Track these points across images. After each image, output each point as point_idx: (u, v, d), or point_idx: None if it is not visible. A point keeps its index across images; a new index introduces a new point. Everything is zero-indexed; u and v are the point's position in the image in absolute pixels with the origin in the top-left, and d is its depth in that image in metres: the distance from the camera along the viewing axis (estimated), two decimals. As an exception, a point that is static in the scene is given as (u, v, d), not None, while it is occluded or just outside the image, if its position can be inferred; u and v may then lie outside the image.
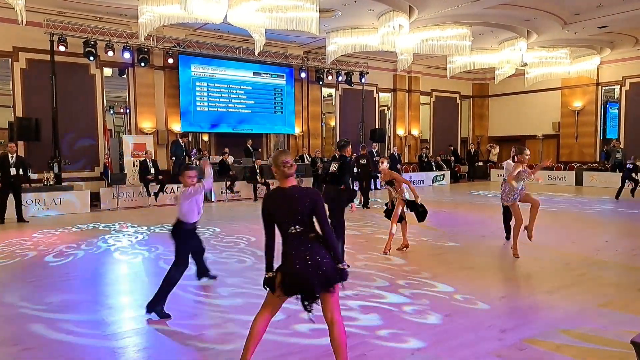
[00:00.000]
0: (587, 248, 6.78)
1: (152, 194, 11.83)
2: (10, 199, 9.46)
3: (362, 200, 11.71)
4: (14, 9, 7.94)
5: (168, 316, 4.02)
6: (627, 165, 12.87)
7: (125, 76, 13.73)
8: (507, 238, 7.04)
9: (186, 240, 4.30)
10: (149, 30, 10.16)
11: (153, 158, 12.27)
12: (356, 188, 7.84)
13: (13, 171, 9.39)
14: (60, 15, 12.02)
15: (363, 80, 17.24)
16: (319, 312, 2.78)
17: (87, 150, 12.88)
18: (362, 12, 11.93)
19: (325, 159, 15.41)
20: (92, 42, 12.05)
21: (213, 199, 13.14)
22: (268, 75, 15.85)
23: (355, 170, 11.28)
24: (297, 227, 2.70)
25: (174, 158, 13.33)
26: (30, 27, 10.76)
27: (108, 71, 13.70)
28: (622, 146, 16.92)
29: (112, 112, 15.44)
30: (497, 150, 20.81)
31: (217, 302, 4.51)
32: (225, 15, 9.63)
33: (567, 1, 11.66)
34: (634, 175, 12.80)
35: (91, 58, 12.18)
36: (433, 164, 18.79)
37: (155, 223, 9.24)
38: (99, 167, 13.02)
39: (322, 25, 11.31)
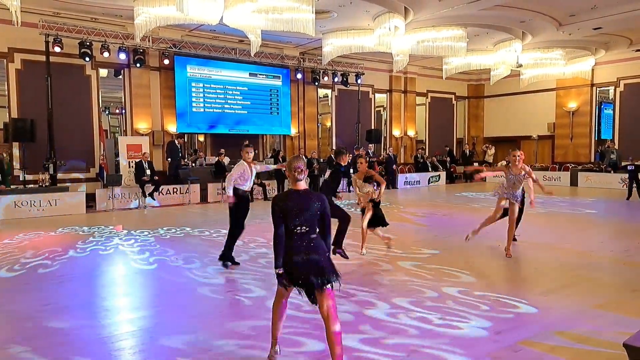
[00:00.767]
0: (581, 249, 6.82)
1: (147, 194, 11.79)
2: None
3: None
4: (8, 9, 7.90)
5: (237, 263, 5.69)
6: (629, 167, 12.78)
7: (120, 77, 13.69)
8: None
9: (237, 203, 5.64)
10: (145, 31, 10.14)
11: (149, 159, 12.23)
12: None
13: None
14: (55, 16, 11.97)
15: (359, 81, 17.27)
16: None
17: (83, 151, 12.83)
18: (357, 14, 11.96)
19: (322, 160, 15.43)
20: (88, 43, 12.00)
21: (208, 200, 13.11)
22: (264, 76, 15.85)
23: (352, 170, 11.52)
24: (304, 227, 2.95)
25: (169, 159, 13.30)
26: (25, 28, 10.71)
27: (104, 72, 13.66)
28: (616, 147, 17.04)
29: (107, 112, 15.39)
30: (492, 150, 20.89)
31: (216, 303, 4.51)
32: (221, 17, 9.62)
33: (562, 2, 11.73)
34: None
35: (87, 59, 12.14)
36: (429, 164, 18.86)
37: (152, 225, 9.22)
38: (95, 168, 12.97)
39: (318, 27, 11.32)
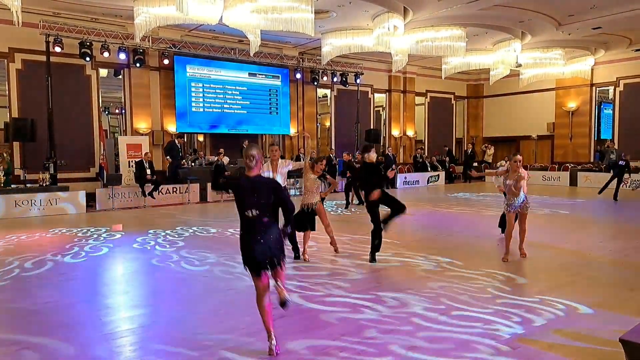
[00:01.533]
0: (580, 248, 6.84)
1: (147, 194, 11.81)
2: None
3: (358, 199, 11.88)
4: (9, 9, 7.92)
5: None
6: (620, 162, 12.79)
7: (120, 77, 13.71)
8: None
9: None
10: (145, 31, 10.17)
11: (150, 159, 12.24)
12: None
13: None
14: (55, 16, 11.99)
15: (358, 81, 17.29)
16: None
17: (83, 151, 12.84)
18: (357, 14, 11.98)
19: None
20: (88, 43, 12.02)
21: (208, 200, 13.13)
22: (263, 76, 15.87)
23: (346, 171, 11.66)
24: (254, 211, 3.14)
25: (169, 158, 13.31)
26: (26, 28, 10.73)
27: (103, 72, 13.68)
28: (616, 147, 17.05)
29: (107, 112, 15.41)
30: (492, 150, 20.90)
31: (216, 300, 4.53)
32: (221, 17, 9.64)
33: (561, 2, 11.75)
34: (626, 173, 12.75)
35: (87, 59, 12.16)
36: (428, 164, 18.87)
37: (150, 224, 9.24)
38: (95, 167, 12.99)
39: (317, 27, 11.34)
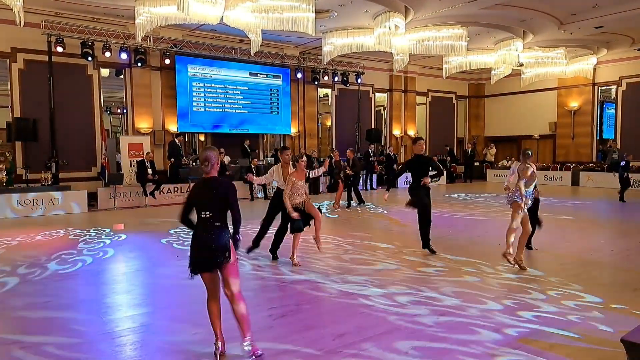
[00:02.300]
0: (582, 248, 6.83)
1: (149, 193, 11.83)
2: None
3: (355, 199, 11.80)
4: (11, 10, 7.94)
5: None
6: (621, 163, 12.74)
7: (122, 77, 13.73)
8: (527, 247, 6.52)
9: (273, 198, 6.15)
10: (146, 31, 10.18)
11: (152, 159, 12.26)
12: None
13: None
14: (57, 16, 12.01)
15: (359, 80, 17.27)
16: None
17: (85, 151, 12.87)
18: (358, 13, 11.97)
19: (321, 159, 15.41)
20: (90, 43, 12.05)
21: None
22: (264, 76, 15.87)
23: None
24: (207, 213, 3.16)
25: (172, 159, 13.33)
26: (28, 28, 10.76)
27: (105, 72, 13.70)
28: (618, 146, 17.00)
29: (109, 112, 15.44)
30: (493, 150, 20.85)
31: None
32: (222, 16, 9.65)
33: (563, 1, 11.72)
34: (626, 174, 12.65)
35: (89, 59, 12.18)
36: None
37: (153, 223, 9.25)
38: (96, 167, 13.01)
39: (318, 26, 11.33)
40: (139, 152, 12.59)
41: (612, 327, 3.77)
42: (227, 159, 13.78)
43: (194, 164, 14.37)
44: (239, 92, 15.36)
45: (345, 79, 16.93)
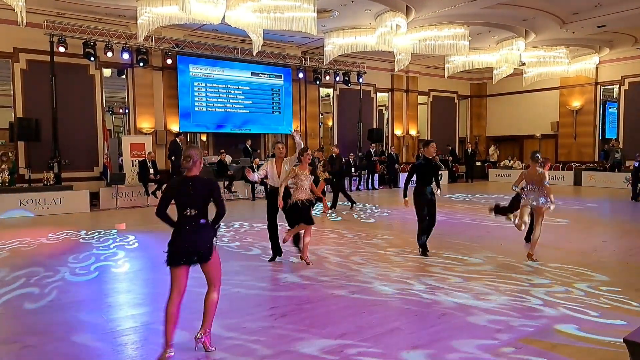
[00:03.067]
0: (584, 248, 6.80)
1: (150, 193, 11.85)
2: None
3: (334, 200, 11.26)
4: (14, 10, 7.97)
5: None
6: (635, 164, 12.52)
7: (124, 77, 13.76)
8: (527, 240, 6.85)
9: (267, 199, 5.94)
10: (148, 31, 10.20)
11: (153, 158, 12.28)
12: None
13: None
14: (60, 16, 12.04)
15: (361, 80, 17.26)
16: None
17: (87, 151, 12.90)
18: (359, 12, 11.96)
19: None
20: (92, 43, 12.08)
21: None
22: (266, 76, 15.88)
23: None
24: (192, 210, 3.22)
25: (173, 158, 13.34)
26: (30, 28, 10.78)
27: (107, 72, 13.73)
28: (621, 146, 16.95)
29: (111, 112, 15.48)
30: (498, 152, 20.64)
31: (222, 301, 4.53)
32: (223, 16, 9.65)
33: (565, 0, 11.68)
34: None
35: (91, 59, 12.21)
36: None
37: (155, 223, 9.26)
38: (99, 167, 13.04)
39: (319, 26, 11.33)
40: (141, 152, 12.62)
41: (615, 327, 3.76)
42: (228, 159, 13.79)
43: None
44: (240, 92, 15.38)
45: (346, 78, 16.92)
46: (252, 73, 15.55)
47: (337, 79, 16.88)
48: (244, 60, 14.90)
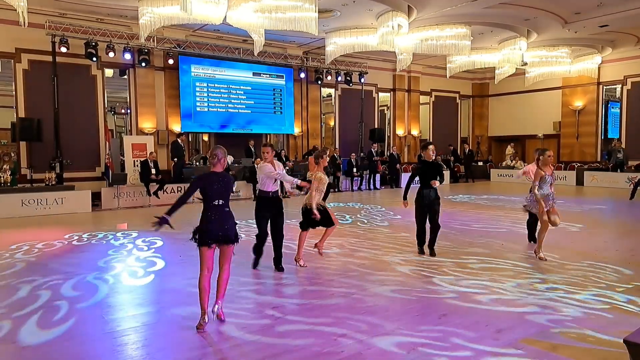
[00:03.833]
0: (586, 248, 6.78)
1: (152, 193, 11.87)
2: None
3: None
4: (16, 10, 7.99)
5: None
6: None
7: (126, 77, 13.79)
8: (530, 239, 6.95)
9: (258, 207, 5.38)
10: (149, 31, 10.21)
11: (155, 159, 12.28)
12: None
13: None
14: (61, 16, 12.08)
15: (362, 80, 17.26)
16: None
17: (89, 151, 12.93)
18: (361, 12, 11.95)
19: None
20: (93, 43, 12.11)
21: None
22: (267, 76, 15.89)
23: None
24: (220, 201, 3.78)
25: (175, 159, 13.36)
26: (32, 29, 10.82)
27: (109, 72, 13.76)
28: (623, 146, 16.89)
29: (113, 112, 15.51)
30: (511, 150, 20.31)
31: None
32: (225, 16, 9.66)
33: (567, 0, 11.65)
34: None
35: (93, 59, 12.24)
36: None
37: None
38: (100, 167, 13.07)
39: (321, 26, 11.33)
40: (143, 152, 12.64)
41: (617, 327, 3.74)
42: (230, 159, 13.80)
43: (197, 163, 14.41)
44: (242, 92, 15.38)
45: (348, 78, 16.91)
46: (253, 73, 15.55)
47: (339, 79, 16.87)
48: (245, 61, 14.91)
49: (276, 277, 5.39)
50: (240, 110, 15.36)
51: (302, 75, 16.16)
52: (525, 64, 16.09)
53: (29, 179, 11.45)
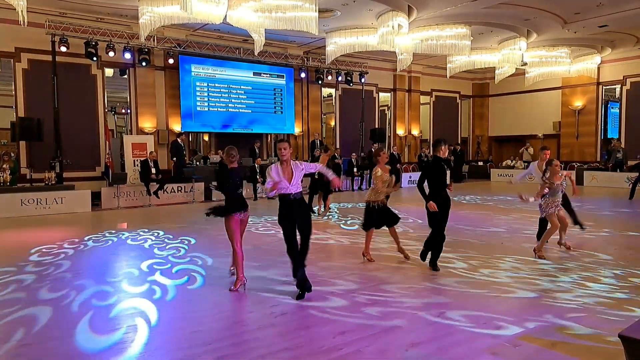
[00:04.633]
0: (584, 247, 6.78)
1: (152, 193, 11.88)
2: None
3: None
4: (15, 9, 8.00)
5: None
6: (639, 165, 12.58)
7: (126, 76, 13.80)
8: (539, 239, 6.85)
9: (282, 213, 4.69)
10: (149, 31, 10.22)
11: (155, 158, 12.30)
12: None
13: None
14: (61, 16, 12.09)
15: (363, 80, 17.27)
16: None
17: (89, 150, 12.94)
18: (361, 12, 11.97)
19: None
20: (93, 43, 12.12)
21: (213, 198, 13.17)
22: (268, 76, 15.90)
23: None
24: (240, 190, 4.91)
25: (174, 159, 13.36)
26: (31, 28, 10.83)
27: (109, 71, 13.77)
28: (622, 146, 16.91)
29: (113, 112, 15.53)
30: (531, 150, 19.97)
31: (217, 298, 4.55)
32: (225, 16, 9.67)
33: (567, 0, 11.67)
34: None
35: (94, 59, 12.26)
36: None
37: (156, 223, 9.28)
38: (100, 166, 13.08)
39: (321, 25, 11.35)
40: (143, 152, 12.65)
41: (614, 325, 3.74)
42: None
43: (197, 163, 14.42)
44: (242, 92, 15.39)
45: (349, 78, 16.92)
46: (254, 73, 15.56)
47: (340, 78, 16.88)
48: (246, 60, 14.92)
49: (275, 273, 5.40)
50: (240, 110, 15.37)
51: (303, 75, 16.17)
52: (525, 64, 16.10)
53: (29, 178, 11.46)
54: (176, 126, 14.24)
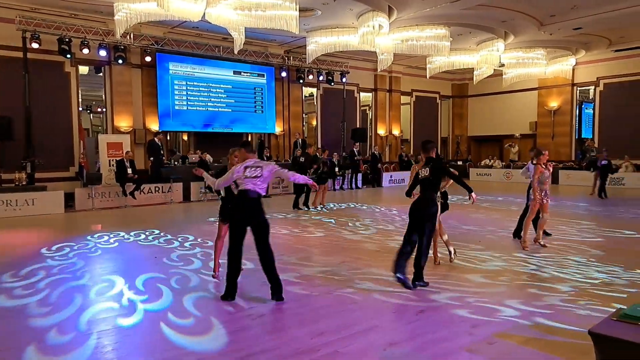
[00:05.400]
0: (563, 245, 6.92)
1: (128, 193, 11.61)
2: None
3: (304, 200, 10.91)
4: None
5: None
6: (602, 162, 12.93)
7: (101, 74, 13.46)
8: (515, 236, 7.23)
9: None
10: (125, 27, 9.97)
11: (131, 158, 12.02)
12: None
13: None
14: (33, 11, 11.70)
15: (344, 79, 17.29)
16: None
17: (62, 150, 12.55)
18: (341, 12, 11.97)
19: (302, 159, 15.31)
20: (67, 40, 11.77)
21: (191, 199, 12.97)
22: (248, 74, 15.75)
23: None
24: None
25: (151, 158, 13.09)
26: (1, 24, 10.48)
27: (84, 69, 13.39)
28: (596, 145, 17.41)
29: (89, 111, 15.13)
30: (516, 148, 20.03)
31: (195, 302, 4.45)
32: (204, 13, 9.51)
33: (543, 2, 11.92)
34: (610, 175, 12.98)
35: (67, 56, 11.90)
36: (413, 163, 18.89)
37: (132, 225, 9.08)
38: (74, 167, 12.71)
39: (302, 25, 11.29)
40: (119, 152, 12.34)
41: (591, 321, 3.81)
42: (210, 158, 13.63)
43: (176, 163, 14.17)
44: (222, 91, 15.21)
45: (330, 78, 16.92)
46: (234, 72, 15.40)
47: (321, 78, 16.86)
48: (226, 59, 14.74)
49: (255, 274, 5.33)
50: (220, 109, 15.18)
51: (284, 74, 16.08)
52: (503, 65, 16.40)
53: (-1, 179, 11.07)
54: (154, 125, 13.96)
